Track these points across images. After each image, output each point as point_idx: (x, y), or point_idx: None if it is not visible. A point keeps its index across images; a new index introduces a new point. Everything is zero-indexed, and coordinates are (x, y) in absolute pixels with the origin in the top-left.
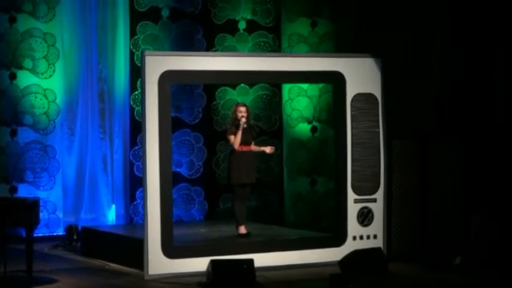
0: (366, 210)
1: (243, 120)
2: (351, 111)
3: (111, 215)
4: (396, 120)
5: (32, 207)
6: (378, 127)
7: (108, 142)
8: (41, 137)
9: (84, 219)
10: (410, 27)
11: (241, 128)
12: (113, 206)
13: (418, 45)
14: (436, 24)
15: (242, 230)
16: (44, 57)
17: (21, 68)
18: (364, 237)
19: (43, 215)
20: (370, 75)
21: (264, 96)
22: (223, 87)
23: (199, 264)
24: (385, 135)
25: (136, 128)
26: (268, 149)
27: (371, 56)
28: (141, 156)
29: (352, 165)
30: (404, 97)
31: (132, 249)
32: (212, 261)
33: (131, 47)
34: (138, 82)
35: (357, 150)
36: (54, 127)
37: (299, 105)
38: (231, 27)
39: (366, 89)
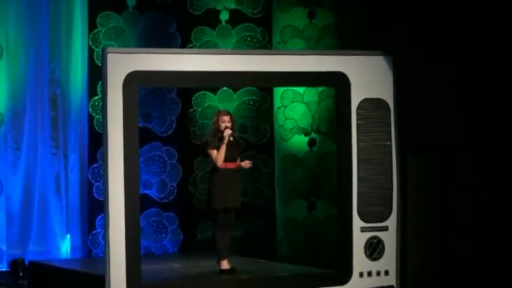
0: (375, 240)
1: (228, 131)
2: (357, 120)
3: (65, 247)
4: (412, 131)
5: None
6: (390, 139)
7: (62, 158)
8: None
9: (33, 252)
10: (428, 19)
11: (225, 141)
12: (68, 236)
13: (438, 41)
14: (460, 15)
15: (225, 264)
16: None
17: None
18: (373, 273)
19: None
20: (379, 76)
21: (251, 103)
22: (201, 92)
23: None
24: (398, 149)
25: (96, 141)
26: (244, 163)
27: (380, 53)
28: (102, 176)
29: (359, 186)
30: (421, 103)
31: None
32: None
33: (90, 43)
34: (99, 85)
35: (364, 168)
36: None
37: (294, 113)
38: (211, 18)
39: (375, 93)
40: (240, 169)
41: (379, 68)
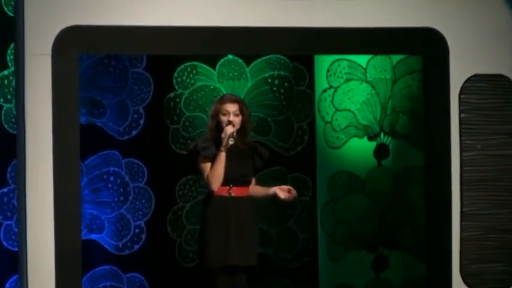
0: None
1: (229, 129)
2: (461, 112)
3: None
4: None
5: None
6: None
7: None
8: None
9: None
10: None
11: (223, 147)
12: None
13: None
14: None
15: None
16: None
17: None
18: None
19: None
20: (498, 39)
21: (277, 82)
22: (190, 63)
23: None
24: None
25: (6, 149)
26: (283, 193)
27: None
28: (17, 209)
29: (463, 228)
30: None
31: None
32: None
33: None
34: (9, 52)
35: (472, 196)
36: None
37: (350, 100)
38: None
39: (492, 66)
40: (267, 200)
41: (497, 24)
